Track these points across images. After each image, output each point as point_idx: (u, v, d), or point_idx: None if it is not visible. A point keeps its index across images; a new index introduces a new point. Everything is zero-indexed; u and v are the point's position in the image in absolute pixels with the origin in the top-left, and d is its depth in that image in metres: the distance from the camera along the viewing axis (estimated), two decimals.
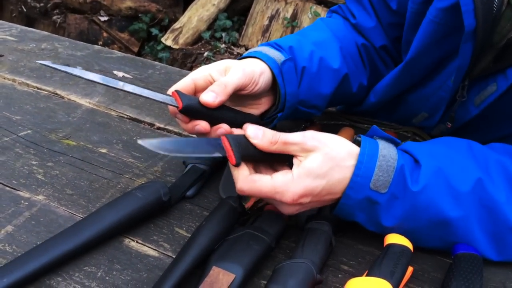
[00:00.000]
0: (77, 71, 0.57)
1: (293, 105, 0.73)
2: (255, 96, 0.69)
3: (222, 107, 0.63)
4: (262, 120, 0.72)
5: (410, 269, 0.57)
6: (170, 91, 0.63)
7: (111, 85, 0.59)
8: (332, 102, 0.83)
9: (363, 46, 0.85)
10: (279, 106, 0.71)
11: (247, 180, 0.56)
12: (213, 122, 0.63)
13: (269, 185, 0.56)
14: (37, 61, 0.60)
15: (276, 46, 0.74)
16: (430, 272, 0.60)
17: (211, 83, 0.64)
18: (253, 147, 0.57)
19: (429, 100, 0.80)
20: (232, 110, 0.66)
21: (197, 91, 0.65)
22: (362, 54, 0.85)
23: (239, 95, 0.66)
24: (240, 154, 0.56)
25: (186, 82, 0.64)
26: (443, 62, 0.76)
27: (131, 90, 0.59)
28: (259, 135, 0.57)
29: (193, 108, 0.61)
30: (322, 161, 0.56)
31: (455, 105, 0.74)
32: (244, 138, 0.58)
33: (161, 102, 0.61)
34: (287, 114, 0.73)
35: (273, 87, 0.71)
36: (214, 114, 0.63)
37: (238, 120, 0.65)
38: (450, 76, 0.73)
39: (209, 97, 0.61)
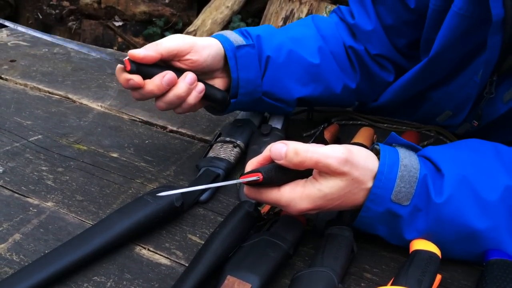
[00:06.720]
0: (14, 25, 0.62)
1: (251, 93, 0.70)
2: (207, 74, 0.68)
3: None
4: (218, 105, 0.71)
5: (438, 277, 0.54)
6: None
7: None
8: (314, 101, 0.80)
9: (351, 48, 0.80)
10: (232, 91, 0.69)
11: (253, 189, 0.55)
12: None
13: (273, 198, 0.54)
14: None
15: (245, 33, 0.73)
16: (460, 280, 0.57)
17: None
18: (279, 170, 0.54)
19: (454, 98, 0.76)
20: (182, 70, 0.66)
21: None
22: (351, 56, 0.81)
23: (183, 63, 0.65)
24: (266, 172, 0.53)
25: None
26: (469, 58, 0.72)
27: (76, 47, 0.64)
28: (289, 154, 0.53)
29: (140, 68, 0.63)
30: (345, 186, 0.52)
31: (482, 102, 0.70)
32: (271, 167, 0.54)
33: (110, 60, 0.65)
34: (245, 102, 0.71)
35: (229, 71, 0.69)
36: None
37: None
38: (477, 72, 0.70)
39: (139, 51, 0.62)
